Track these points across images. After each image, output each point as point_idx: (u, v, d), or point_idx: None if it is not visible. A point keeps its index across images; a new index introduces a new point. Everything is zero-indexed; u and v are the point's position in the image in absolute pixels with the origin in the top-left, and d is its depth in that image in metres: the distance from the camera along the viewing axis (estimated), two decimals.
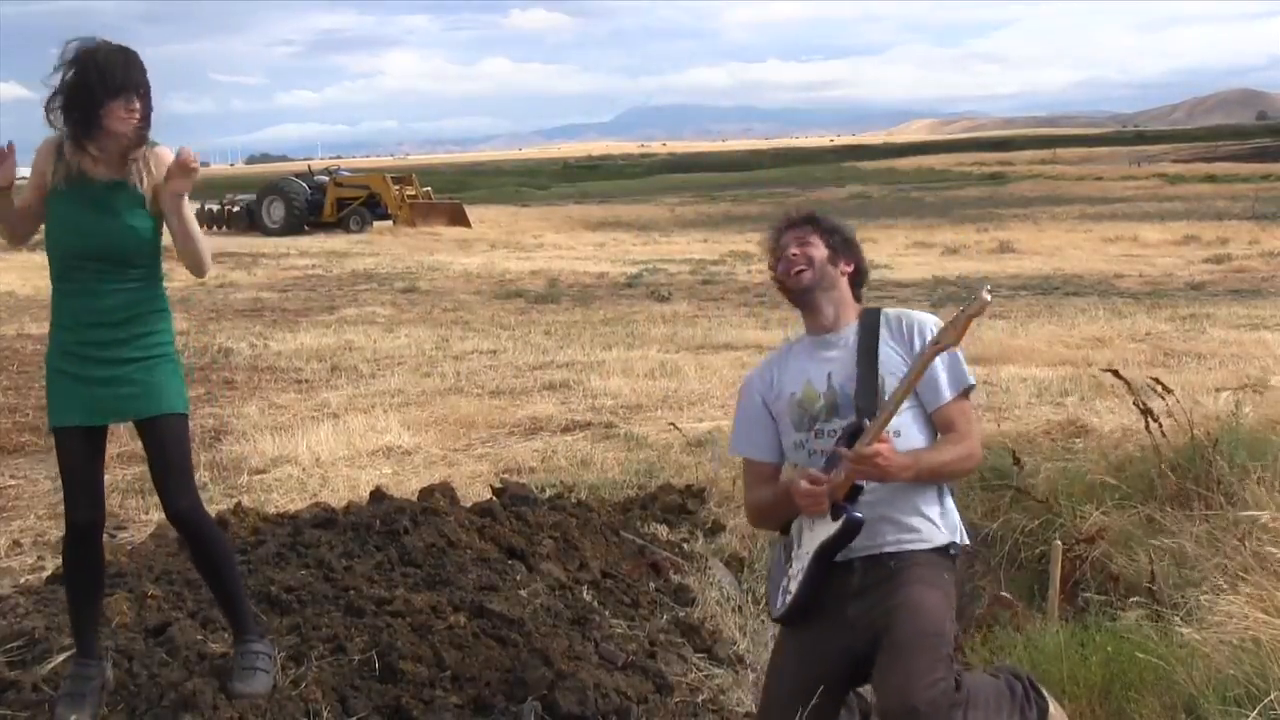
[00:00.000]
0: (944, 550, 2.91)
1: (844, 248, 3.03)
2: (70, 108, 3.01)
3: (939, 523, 2.90)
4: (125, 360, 3.10)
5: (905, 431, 2.85)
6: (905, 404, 2.81)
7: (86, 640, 3.25)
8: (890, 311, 3.00)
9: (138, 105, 3.03)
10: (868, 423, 2.76)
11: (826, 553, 2.81)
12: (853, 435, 2.77)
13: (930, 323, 2.94)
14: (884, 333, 2.93)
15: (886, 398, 2.81)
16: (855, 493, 2.77)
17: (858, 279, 3.05)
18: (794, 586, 2.87)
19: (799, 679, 2.86)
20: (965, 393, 2.92)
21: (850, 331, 2.97)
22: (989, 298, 2.62)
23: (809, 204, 3.20)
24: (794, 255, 2.97)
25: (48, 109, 3.04)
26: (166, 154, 3.14)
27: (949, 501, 2.95)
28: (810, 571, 2.83)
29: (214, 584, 3.38)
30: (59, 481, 6.42)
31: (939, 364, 2.85)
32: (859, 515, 2.76)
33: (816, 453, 2.91)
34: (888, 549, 2.85)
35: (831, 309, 2.98)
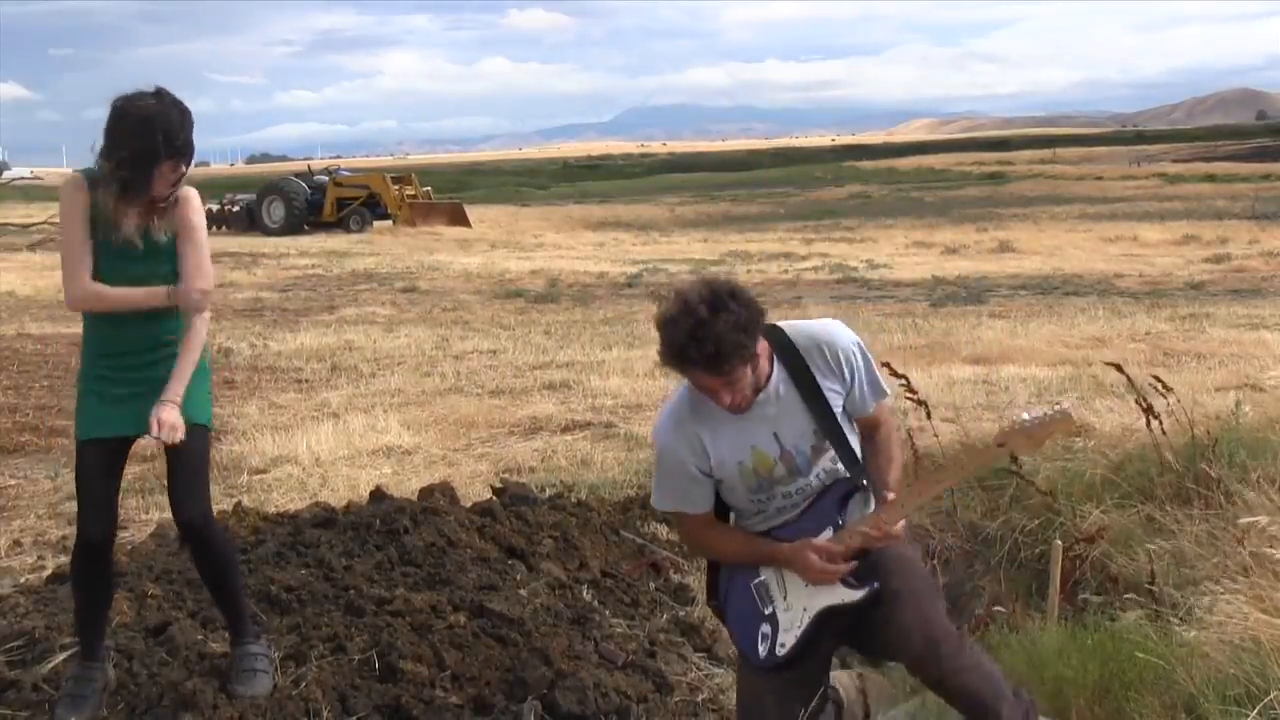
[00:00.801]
0: None
1: (753, 343, 2.66)
2: (131, 166, 3.01)
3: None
4: (157, 378, 3.15)
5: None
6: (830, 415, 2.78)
7: (91, 644, 3.28)
8: (801, 339, 2.79)
9: (184, 170, 3.09)
10: (865, 484, 2.75)
11: (834, 615, 2.76)
12: (845, 496, 2.76)
13: (847, 340, 2.80)
14: (817, 376, 2.77)
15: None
16: (858, 554, 2.75)
17: (763, 329, 2.73)
18: (788, 640, 2.78)
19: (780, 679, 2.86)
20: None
21: (777, 384, 2.78)
22: (1073, 415, 2.57)
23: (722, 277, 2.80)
24: (728, 401, 2.71)
25: (102, 156, 3.06)
26: (189, 193, 3.19)
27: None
28: (809, 630, 2.77)
29: (216, 590, 3.42)
30: (59, 481, 6.43)
31: (864, 381, 2.78)
32: (878, 585, 2.72)
33: (785, 508, 2.85)
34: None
35: (755, 381, 2.75)
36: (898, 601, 2.70)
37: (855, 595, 2.72)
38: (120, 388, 3.16)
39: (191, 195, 3.17)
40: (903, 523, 2.73)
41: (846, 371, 2.79)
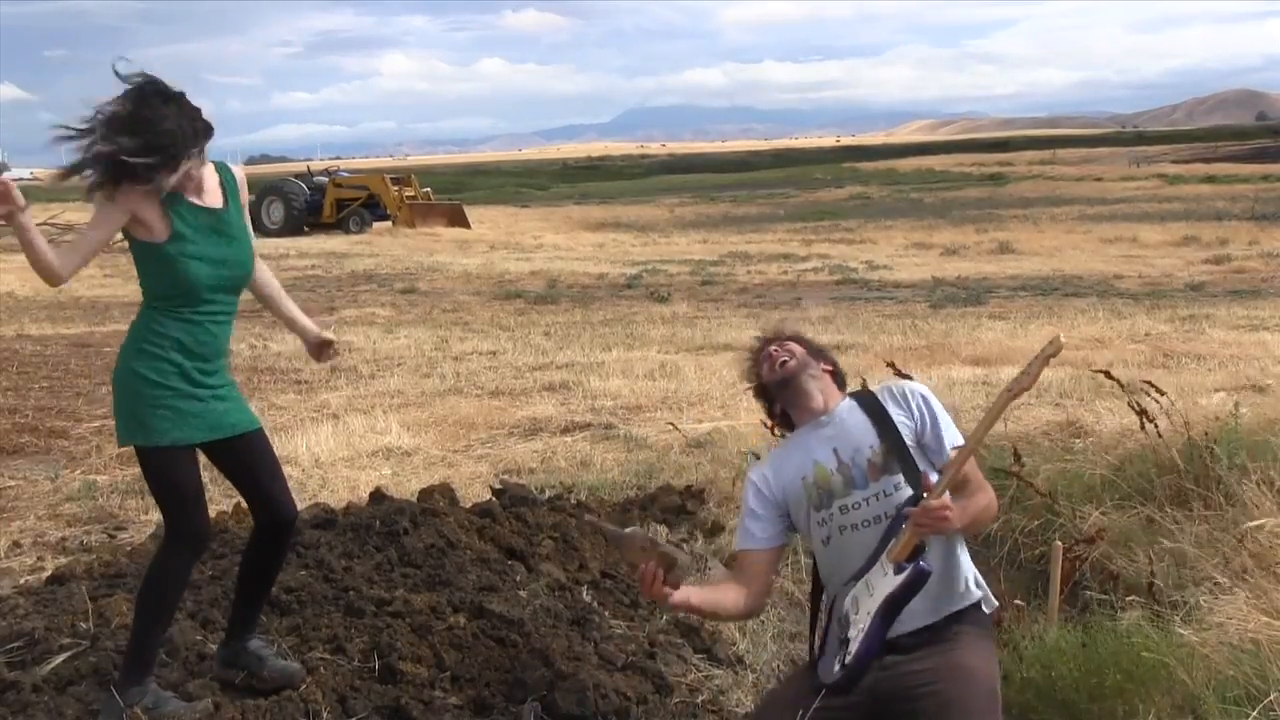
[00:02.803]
0: (983, 611, 2.91)
1: (819, 352, 3.13)
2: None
3: (977, 585, 2.91)
4: (222, 384, 3.15)
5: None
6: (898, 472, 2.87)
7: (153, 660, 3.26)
8: (877, 387, 3.11)
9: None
10: (925, 494, 2.75)
11: (894, 607, 2.75)
12: (914, 502, 2.78)
13: (916, 385, 3.06)
14: (889, 404, 2.99)
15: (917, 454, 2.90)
16: (918, 553, 2.75)
17: (839, 379, 3.13)
18: (853, 646, 2.78)
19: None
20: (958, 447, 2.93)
21: (841, 409, 3.02)
22: (1064, 340, 2.69)
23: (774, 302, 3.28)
24: (774, 351, 3.08)
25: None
26: None
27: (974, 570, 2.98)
28: (874, 628, 2.75)
29: (266, 587, 3.41)
30: (58, 482, 6.42)
31: (934, 422, 2.94)
32: (926, 566, 2.72)
33: (846, 527, 2.88)
34: (936, 617, 2.83)
35: (820, 395, 3.03)
36: (945, 712, 2.66)
37: (899, 578, 2.73)
38: (204, 390, 3.09)
39: None
40: (949, 501, 2.71)
41: (914, 408, 2.96)
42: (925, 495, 2.74)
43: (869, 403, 3.01)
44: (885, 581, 2.76)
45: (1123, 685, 3.34)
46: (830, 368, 3.11)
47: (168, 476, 3.08)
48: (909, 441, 2.91)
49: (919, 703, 2.69)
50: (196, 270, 3.01)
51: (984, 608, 2.93)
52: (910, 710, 2.71)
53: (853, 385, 3.23)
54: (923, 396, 2.99)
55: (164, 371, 3.02)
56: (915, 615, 2.79)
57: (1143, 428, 4.91)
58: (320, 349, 3.47)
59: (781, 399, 3.08)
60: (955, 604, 2.85)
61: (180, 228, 3.00)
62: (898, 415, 2.95)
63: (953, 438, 2.94)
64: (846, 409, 3.02)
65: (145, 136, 2.89)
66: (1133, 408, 4.94)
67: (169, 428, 3.03)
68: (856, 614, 2.81)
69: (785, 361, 3.04)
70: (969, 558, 2.95)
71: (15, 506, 5.95)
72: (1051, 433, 6.41)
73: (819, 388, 3.04)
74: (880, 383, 3.20)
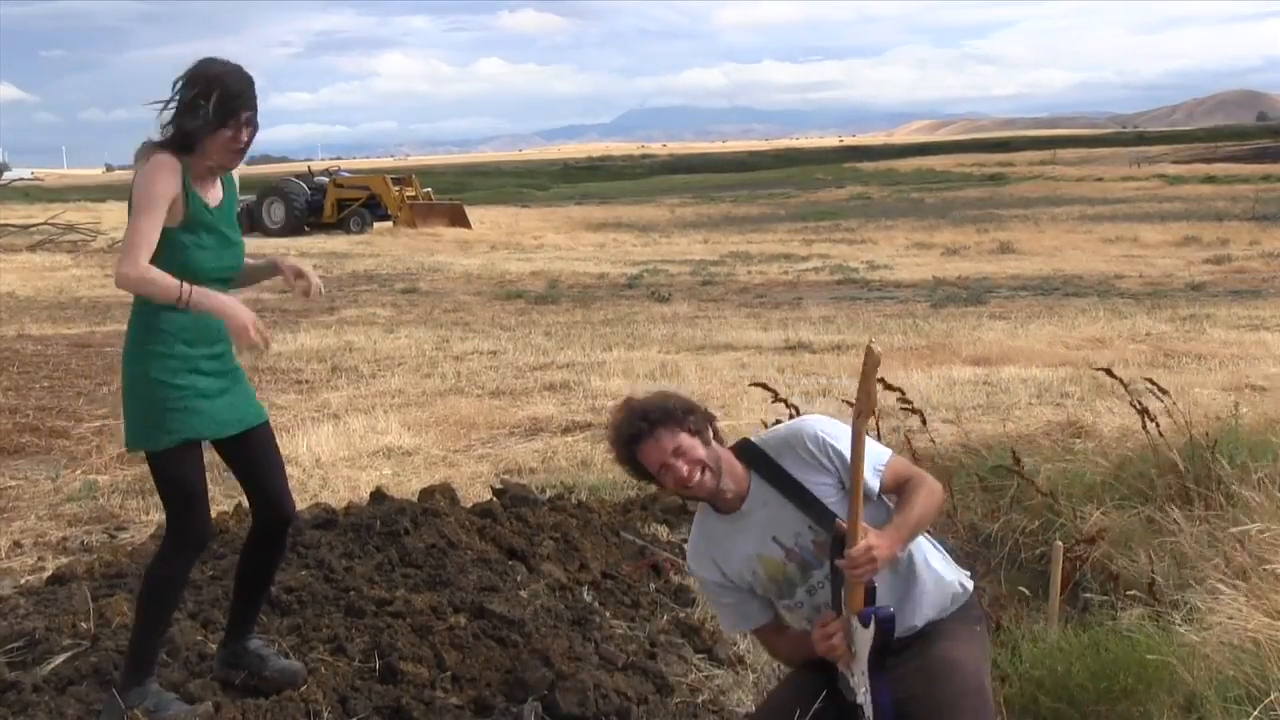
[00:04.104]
0: (961, 594, 2.88)
1: (700, 420, 2.80)
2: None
3: (946, 574, 2.87)
4: (232, 371, 3.18)
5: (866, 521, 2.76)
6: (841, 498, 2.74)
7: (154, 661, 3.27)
8: (771, 445, 2.83)
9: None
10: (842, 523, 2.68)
11: (877, 658, 2.72)
12: (837, 544, 2.70)
13: (818, 425, 2.81)
14: (796, 474, 2.76)
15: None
16: (871, 594, 2.71)
17: (720, 439, 2.84)
18: (866, 701, 2.71)
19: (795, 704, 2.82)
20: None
21: (755, 489, 2.80)
22: (878, 349, 2.56)
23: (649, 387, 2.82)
24: (685, 472, 2.74)
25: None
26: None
27: (937, 547, 2.91)
28: (873, 681, 2.71)
29: (263, 585, 3.41)
30: (59, 482, 6.42)
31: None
32: (886, 610, 2.68)
33: (821, 605, 2.81)
34: (922, 621, 2.81)
35: (732, 485, 2.79)
36: (936, 714, 2.66)
37: (870, 632, 2.68)
38: (219, 381, 3.12)
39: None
40: (875, 540, 2.61)
41: (824, 459, 2.76)
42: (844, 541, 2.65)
43: (780, 478, 2.77)
44: (861, 636, 2.71)
45: (1135, 683, 3.34)
46: (710, 429, 2.80)
47: (177, 475, 3.10)
48: (834, 501, 2.75)
49: (911, 704, 2.69)
50: (200, 258, 3.05)
51: (964, 590, 2.87)
52: (905, 712, 2.70)
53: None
54: (830, 446, 2.77)
55: (174, 369, 3.05)
56: (903, 621, 2.76)
57: (1144, 426, 4.91)
58: (297, 277, 3.27)
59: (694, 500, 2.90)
60: (924, 609, 2.81)
61: (194, 214, 3.05)
62: (815, 481, 2.76)
63: (871, 463, 2.73)
64: (762, 491, 2.79)
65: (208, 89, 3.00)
66: (1134, 406, 4.95)
67: (184, 427, 3.05)
68: (854, 678, 2.75)
69: (701, 478, 2.75)
70: (939, 555, 2.88)
71: (16, 506, 5.96)
72: (1052, 433, 6.42)
73: (731, 481, 2.79)
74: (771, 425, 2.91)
